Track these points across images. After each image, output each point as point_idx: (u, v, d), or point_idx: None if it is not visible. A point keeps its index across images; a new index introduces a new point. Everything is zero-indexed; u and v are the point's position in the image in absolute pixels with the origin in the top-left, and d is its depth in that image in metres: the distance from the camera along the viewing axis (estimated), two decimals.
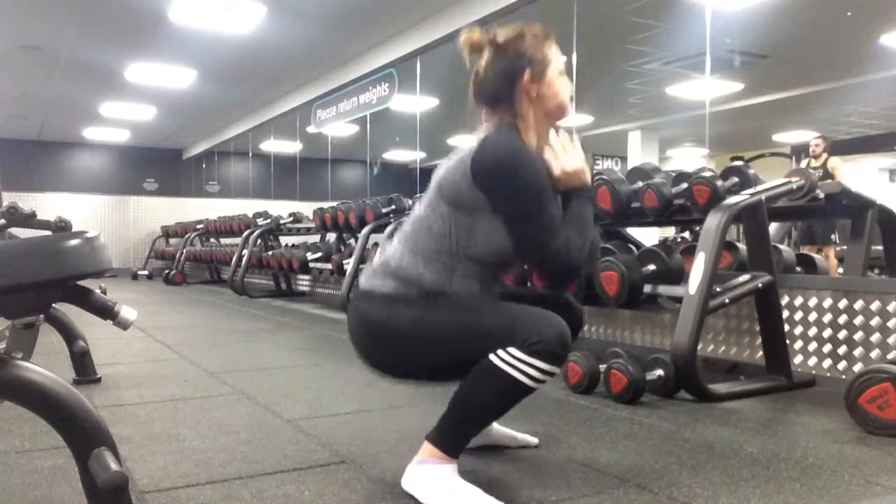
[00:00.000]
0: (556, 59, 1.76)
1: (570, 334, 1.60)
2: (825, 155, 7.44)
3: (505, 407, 1.66)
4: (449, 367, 1.66)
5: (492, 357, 1.55)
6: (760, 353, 2.98)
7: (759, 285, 2.86)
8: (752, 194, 2.89)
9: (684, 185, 3.10)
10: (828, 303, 2.84)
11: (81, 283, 1.20)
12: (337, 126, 9.48)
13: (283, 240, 8.82)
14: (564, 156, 1.74)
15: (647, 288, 3.14)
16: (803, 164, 8.15)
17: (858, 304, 2.74)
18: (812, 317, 2.89)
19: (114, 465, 1.10)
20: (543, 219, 1.63)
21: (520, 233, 1.64)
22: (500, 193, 1.62)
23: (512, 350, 1.54)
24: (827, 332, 2.84)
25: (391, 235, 1.76)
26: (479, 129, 1.75)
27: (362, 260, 5.52)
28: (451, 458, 1.64)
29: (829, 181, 4.73)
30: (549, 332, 1.55)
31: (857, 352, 2.74)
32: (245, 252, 8.06)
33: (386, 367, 1.75)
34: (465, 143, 1.72)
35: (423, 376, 1.81)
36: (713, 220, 2.78)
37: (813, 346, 2.89)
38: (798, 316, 2.94)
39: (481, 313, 1.64)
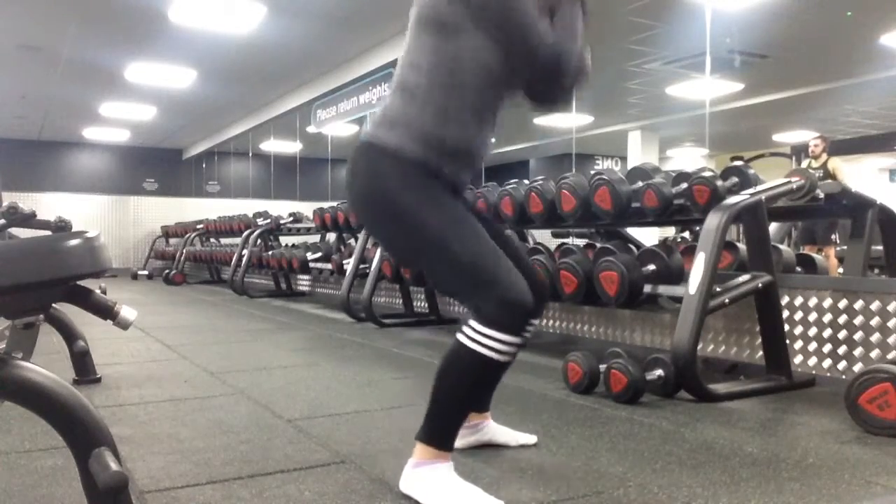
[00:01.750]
0: None
1: (530, 302, 1.57)
2: (825, 155, 7.43)
3: (480, 385, 1.66)
4: (410, 263, 1.68)
5: (458, 336, 1.59)
6: (760, 353, 2.98)
7: (759, 285, 2.86)
8: (752, 194, 2.89)
9: (684, 185, 3.10)
10: (828, 303, 2.84)
11: (81, 283, 1.20)
12: (337, 126, 9.47)
13: (283, 240, 8.82)
14: None
15: (647, 288, 3.14)
16: (803, 164, 8.14)
17: (858, 304, 2.74)
18: (812, 317, 2.89)
19: (114, 465, 1.10)
20: (524, 12, 1.59)
21: (502, 33, 1.60)
22: None
23: (473, 324, 1.56)
24: (827, 332, 2.84)
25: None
26: None
27: (362, 260, 5.52)
28: (445, 454, 1.64)
29: (829, 181, 4.73)
30: (508, 303, 1.55)
31: (857, 352, 2.74)
32: (245, 252, 8.06)
33: (368, 225, 1.75)
34: None
35: (390, 250, 1.75)
36: (713, 220, 2.78)
37: (813, 346, 2.89)
38: (798, 316, 2.94)
39: (464, 244, 1.60)
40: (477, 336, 1.56)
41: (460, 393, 1.65)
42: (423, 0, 1.67)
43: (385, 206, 1.64)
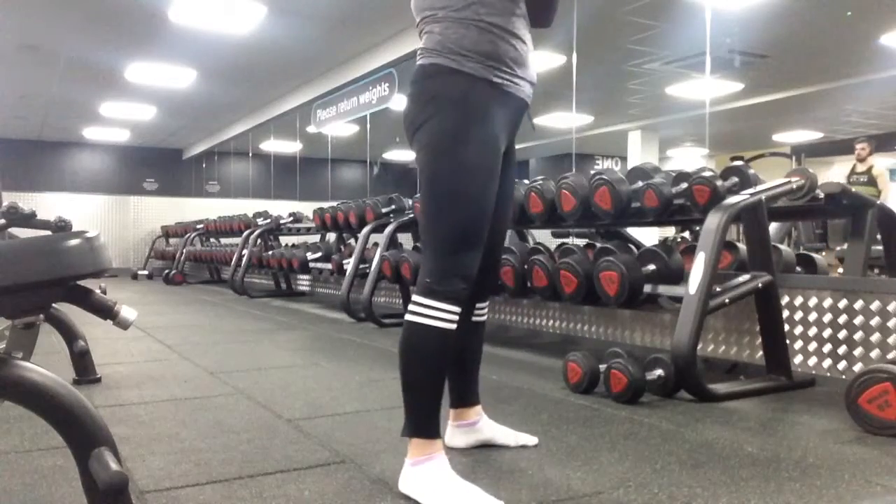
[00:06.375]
0: None
1: (465, 277, 1.68)
2: (870, 159, 7.42)
3: (437, 357, 1.69)
4: (427, 179, 1.71)
5: (405, 317, 1.70)
6: (760, 353, 2.98)
7: (759, 285, 2.86)
8: (752, 194, 2.89)
9: (684, 185, 3.10)
10: (828, 303, 2.84)
11: (81, 283, 1.20)
12: (337, 126, 9.48)
13: (283, 240, 8.82)
14: None
15: (647, 288, 3.14)
16: (847, 168, 8.10)
17: (858, 304, 2.74)
18: (812, 317, 2.89)
19: (114, 465, 1.10)
20: None
21: None
22: None
23: (415, 298, 1.68)
24: (827, 332, 2.84)
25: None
26: None
27: (362, 260, 5.52)
28: (434, 443, 1.66)
29: (830, 182, 4.70)
30: (455, 273, 1.66)
31: (857, 352, 2.74)
32: (245, 252, 8.06)
33: (412, 130, 1.76)
34: None
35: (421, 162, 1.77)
36: (713, 220, 2.78)
37: (813, 346, 2.89)
38: (798, 316, 2.94)
39: (475, 191, 1.68)
40: (419, 308, 1.66)
41: (422, 370, 1.69)
42: None
43: (437, 123, 1.69)
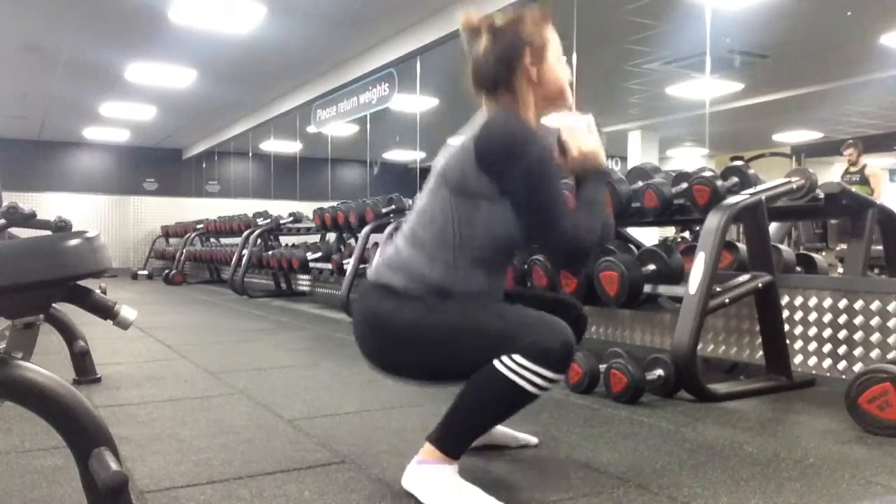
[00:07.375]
0: (554, 42, 1.74)
1: (574, 339, 1.57)
2: (861, 160, 7.56)
3: (508, 412, 1.65)
4: (451, 370, 1.64)
5: (496, 362, 1.53)
6: (760, 353, 2.98)
7: (759, 285, 2.86)
8: (752, 194, 2.89)
9: (684, 185, 3.10)
10: (828, 303, 2.84)
11: (81, 283, 1.20)
12: (337, 126, 9.48)
13: (283, 240, 8.82)
14: (580, 136, 1.73)
15: (647, 288, 3.14)
16: (841, 170, 8.26)
17: (858, 304, 2.74)
18: (812, 317, 2.89)
19: (114, 465, 1.10)
20: (551, 197, 1.60)
21: (527, 212, 1.62)
22: (506, 173, 1.59)
23: (516, 356, 1.52)
24: (827, 332, 2.84)
25: (391, 235, 1.72)
26: (477, 114, 1.72)
27: (362, 260, 5.52)
28: (452, 460, 1.64)
29: (830, 182, 4.71)
30: (552, 338, 1.53)
31: (857, 352, 2.74)
32: (245, 252, 8.06)
33: (388, 365, 1.73)
34: (463, 131, 1.70)
35: (424, 377, 1.76)
36: (713, 220, 2.78)
37: (813, 346, 2.89)
38: (798, 316, 2.94)
39: (485, 316, 1.61)
40: (519, 369, 1.52)
41: (486, 414, 1.64)
42: (450, 164, 1.65)
43: (395, 333, 1.64)
